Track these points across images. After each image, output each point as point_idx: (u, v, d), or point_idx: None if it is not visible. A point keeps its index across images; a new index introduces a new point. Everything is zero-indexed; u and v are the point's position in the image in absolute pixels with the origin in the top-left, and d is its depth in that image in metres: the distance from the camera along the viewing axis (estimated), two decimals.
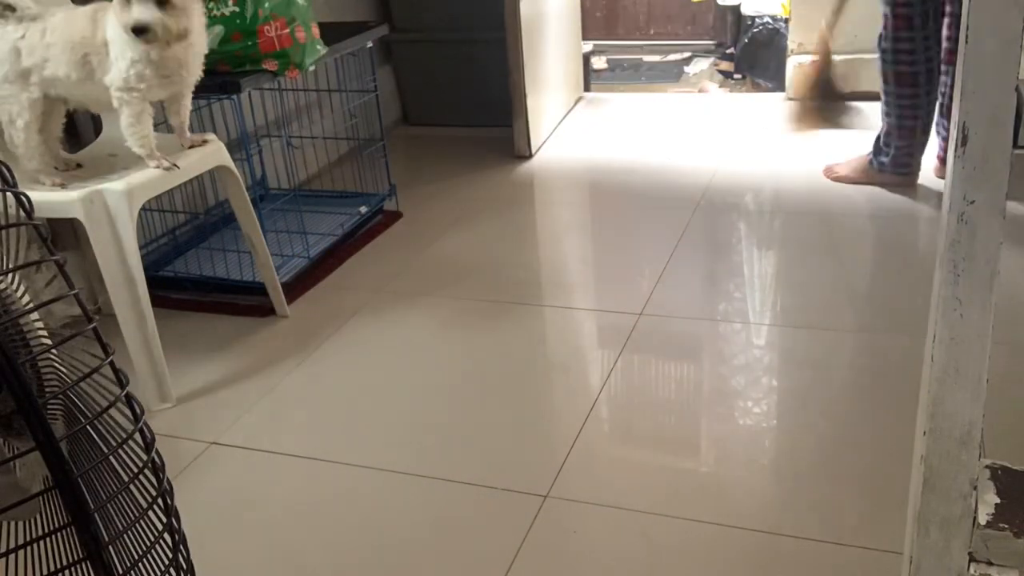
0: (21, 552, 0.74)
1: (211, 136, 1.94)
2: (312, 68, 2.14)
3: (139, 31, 1.58)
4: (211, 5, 1.98)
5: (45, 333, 0.83)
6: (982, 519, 0.85)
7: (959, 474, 0.84)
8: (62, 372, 0.82)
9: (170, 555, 0.83)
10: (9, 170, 0.80)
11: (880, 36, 2.50)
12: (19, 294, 0.82)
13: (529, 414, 1.75)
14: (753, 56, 3.92)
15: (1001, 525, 0.84)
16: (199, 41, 1.74)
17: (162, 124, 2.30)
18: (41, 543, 0.75)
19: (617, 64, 4.57)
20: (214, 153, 1.91)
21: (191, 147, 1.87)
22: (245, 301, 2.22)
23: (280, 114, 2.75)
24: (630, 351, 1.93)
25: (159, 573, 0.81)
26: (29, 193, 0.81)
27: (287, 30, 2.03)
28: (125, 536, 0.78)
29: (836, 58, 3.48)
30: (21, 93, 1.70)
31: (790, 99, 3.56)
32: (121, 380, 0.79)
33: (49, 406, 0.80)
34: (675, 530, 1.42)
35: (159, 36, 1.60)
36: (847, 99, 3.49)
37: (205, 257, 2.35)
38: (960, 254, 0.77)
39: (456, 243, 2.53)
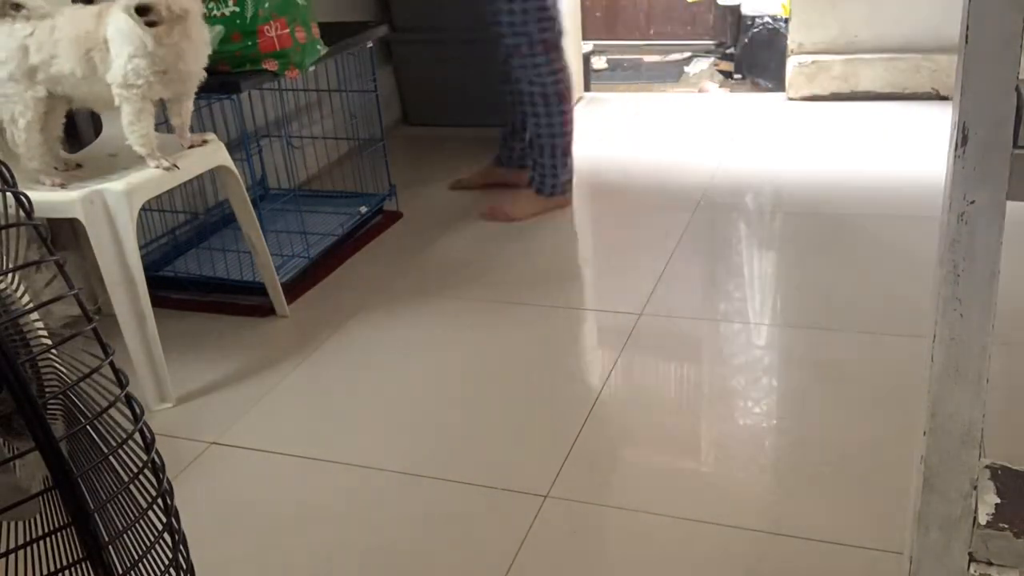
0: (21, 552, 0.74)
1: (211, 136, 1.94)
2: (312, 68, 2.14)
3: (142, 10, 1.59)
4: (211, 5, 1.98)
5: (45, 333, 0.83)
6: (982, 519, 0.85)
7: (959, 474, 0.84)
8: (62, 372, 0.82)
9: (170, 555, 0.83)
10: (9, 170, 0.80)
11: (522, 67, 2.54)
12: (19, 294, 0.82)
13: (529, 414, 1.75)
14: (753, 56, 3.92)
15: (1001, 525, 0.84)
16: (198, 35, 1.73)
17: (163, 124, 2.30)
18: (41, 543, 0.75)
19: (617, 64, 4.57)
20: (214, 153, 1.91)
21: (191, 147, 1.87)
22: (245, 301, 2.22)
23: (280, 114, 2.75)
24: (630, 351, 1.93)
25: (159, 573, 0.81)
26: (29, 193, 0.81)
27: (287, 30, 2.03)
28: (125, 536, 0.78)
29: (836, 57, 3.48)
30: (26, 91, 1.70)
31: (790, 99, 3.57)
32: (121, 380, 0.79)
33: (49, 406, 0.80)
34: (675, 530, 1.42)
35: (162, 16, 1.61)
36: (847, 99, 3.49)
37: (205, 257, 2.35)
38: (960, 254, 0.77)
39: (456, 243, 2.53)
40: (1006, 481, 0.89)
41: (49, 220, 1.98)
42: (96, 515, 0.74)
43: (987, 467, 0.90)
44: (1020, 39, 0.72)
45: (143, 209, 1.81)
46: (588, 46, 3.92)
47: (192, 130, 1.90)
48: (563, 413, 1.74)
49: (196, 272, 2.29)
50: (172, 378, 1.85)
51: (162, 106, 1.89)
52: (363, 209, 2.60)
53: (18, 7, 1.68)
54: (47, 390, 0.81)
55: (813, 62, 3.51)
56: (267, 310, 2.17)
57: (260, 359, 2.00)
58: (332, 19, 2.66)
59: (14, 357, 0.68)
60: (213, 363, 1.99)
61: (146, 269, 1.80)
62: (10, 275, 0.80)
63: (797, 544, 1.37)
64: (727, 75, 4.05)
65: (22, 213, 0.78)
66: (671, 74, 4.00)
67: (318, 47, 2.16)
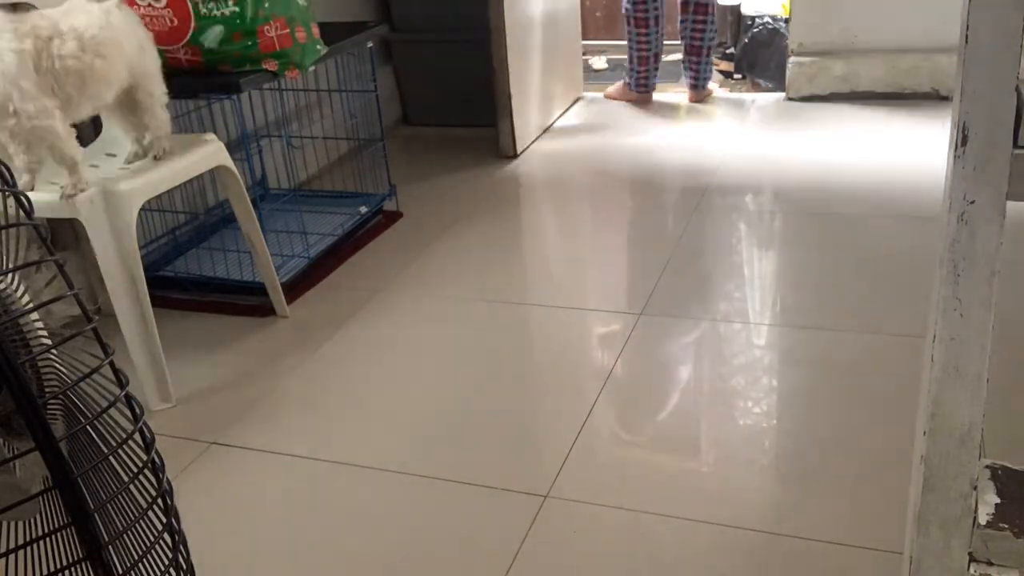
0: (21, 552, 0.74)
1: (211, 136, 1.94)
2: (312, 68, 2.14)
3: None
4: (211, 5, 1.98)
5: (45, 333, 0.83)
6: (982, 519, 0.85)
7: (959, 474, 0.84)
8: (62, 372, 0.82)
9: (170, 555, 0.83)
10: (9, 170, 0.80)
11: None
12: (19, 294, 0.82)
13: (529, 414, 1.75)
14: (753, 56, 3.92)
15: (1001, 525, 0.84)
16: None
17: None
18: (41, 543, 0.75)
19: (617, 64, 4.56)
20: (214, 153, 1.91)
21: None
22: (245, 301, 2.22)
23: (280, 114, 2.75)
24: (630, 351, 1.93)
25: (159, 573, 0.81)
26: (29, 193, 0.81)
27: (287, 30, 2.03)
28: (125, 536, 0.78)
29: (836, 57, 3.48)
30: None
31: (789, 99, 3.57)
32: (121, 380, 0.79)
33: (49, 406, 0.80)
34: (675, 530, 1.42)
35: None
36: (847, 99, 3.49)
37: (205, 257, 2.35)
38: (960, 254, 0.77)
39: (456, 243, 2.53)
40: (1006, 481, 0.89)
41: (49, 220, 1.98)
42: (96, 515, 0.74)
43: (987, 467, 0.90)
44: (1020, 39, 0.72)
45: (143, 209, 1.81)
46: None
47: (192, 130, 1.89)
48: (563, 413, 1.74)
49: (196, 272, 2.29)
50: (172, 378, 1.85)
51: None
52: (363, 209, 2.60)
53: None
54: (47, 390, 0.81)
55: (813, 62, 3.51)
56: (267, 310, 2.17)
57: (260, 359, 2.00)
58: (332, 19, 2.66)
59: (14, 357, 0.68)
60: (213, 363, 1.99)
61: (146, 269, 1.80)
62: (10, 275, 0.80)
63: (797, 544, 1.37)
64: (727, 75, 4.05)
65: (22, 213, 0.78)
66: (671, 74, 3.99)
67: (318, 47, 2.16)
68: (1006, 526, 0.84)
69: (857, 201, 2.60)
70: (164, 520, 0.82)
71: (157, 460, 0.82)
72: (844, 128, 3.23)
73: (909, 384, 1.71)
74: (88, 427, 0.79)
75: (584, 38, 3.90)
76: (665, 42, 3.65)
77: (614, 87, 3.80)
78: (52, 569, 0.75)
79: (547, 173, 3.05)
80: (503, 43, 3.01)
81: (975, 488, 0.84)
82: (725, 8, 4.05)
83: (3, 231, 0.77)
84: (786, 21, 3.67)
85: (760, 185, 2.80)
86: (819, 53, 3.51)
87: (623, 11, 3.59)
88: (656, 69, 3.65)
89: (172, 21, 2.00)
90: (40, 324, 0.83)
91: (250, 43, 1.99)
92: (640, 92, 3.69)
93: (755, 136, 3.25)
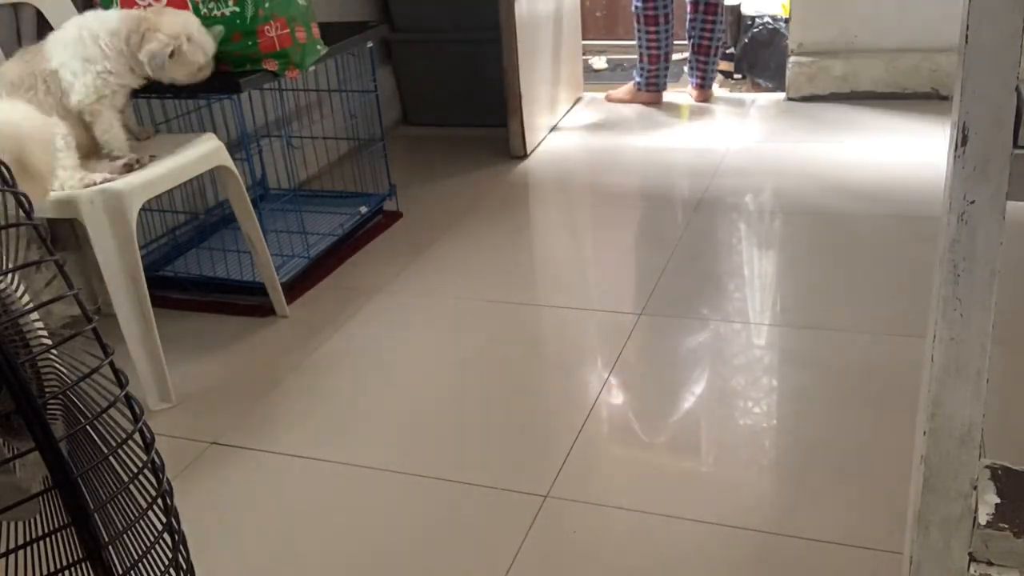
0: (21, 552, 0.74)
1: (211, 136, 1.94)
2: (312, 68, 2.14)
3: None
4: (211, 5, 1.98)
5: (45, 333, 0.83)
6: (982, 519, 0.85)
7: (959, 474, 0.84)
8: (62, 372, 0.82)
9: (170, 555, 0.83)
10: (8, 170, 0.80)
11: None
12: (19, 294, 0.82)
13: (529, 414, 1.75)
14: (753, 56, 3.92)
15: (1001, 525, 0.84)
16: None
17: (162, 123, 2.30)
18: (41, 543, 0.75)
19: (617, 64, 4.56)
20: (214, 153, 1.91)
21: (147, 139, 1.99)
22: (245, 301, 2.22)
23: (280, 114, 2.75)
24: (630, 351, 1.93)
25: (159, 573, 0.81)
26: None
27: (287, 30, 2.03)
28: (125, 536, 0.78)
29: (836, 57, 3.48)
30: None
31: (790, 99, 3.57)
32: (121, 380, 0.79)
33: (49, 406, 0.80)
34: (675, 530, 1.42)
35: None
36: (847, 99, 3.49)
37: (205, 257, 2.35)
38: (960, 254, 0.77)
39: (456, 243, 2.53)
40: (1006, 481, 0.89)
41: (49, 220, 1.98)
42: (96, 515, 0.74)
43: (987, 467, 0.90)
44: (1020, 39, 0.72)
45: (143, 209, 1.81)
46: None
47: (192, 130, 1.91)
48: (563, 413, 1.74)
49: (196, 272, 2.29)
50: (172, 378, 1.85)
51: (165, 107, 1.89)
52: (363, 209, 2.60)
53: None
54: (47, 390, 0.81)
55: (813, 62, 3.51)
56: (267, 310, 2.17)
57: (260, 359, 2.00)
58: (332, 19, 2.66)
59: (14, 357, 0.68)
60: (213, 363, 1.99)
61: (146, 269, 1.80)
62: (10, 275, 0.80)
63: (797, 544, 1.37)
64: (727, 75, 4.05)
65: (22, 213, 0.78)
66: (671, 74, 4.00)
67: (318, 47, 2.16)
68: (1006, 526, 0.84)
69: (857, 201, 2.60)
70: (164, 520, 0.82)
71: (157, 460, 0.82)
72: (844, 128, 3.23)
73: (909, 384, 1.71)
74: (88, 427, 0.79)
75: (584, 38, 3.90)
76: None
77: (620, 90, 3.76)
78: (52, 569, 0.75)
79: (553, 173, 3.05)
80: (514, 43, 3.00)
81: (975, 488, 0.84)
82: (725, 8, 4.05)
83: (3, 231, 0.77)
84: (786, 21, 3.67)
85: (760, 185, 2.80)
86: (819, 53, 3.51)
87: (632, 9, 3.57)
88: (667, 68, 3.63)
89: None
90: (40, 324, 0.83)
91: (250, 43, 1.99)
92: (651, 92, 3.65)
93: (755, 136, 3.25)
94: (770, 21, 3.86)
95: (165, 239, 2.43)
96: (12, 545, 0.75)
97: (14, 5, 1.97)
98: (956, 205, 0.76)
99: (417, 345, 2.03)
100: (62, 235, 2.12)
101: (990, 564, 0.86)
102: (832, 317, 2.00)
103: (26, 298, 0.82)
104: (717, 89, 3.81)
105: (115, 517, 0.78)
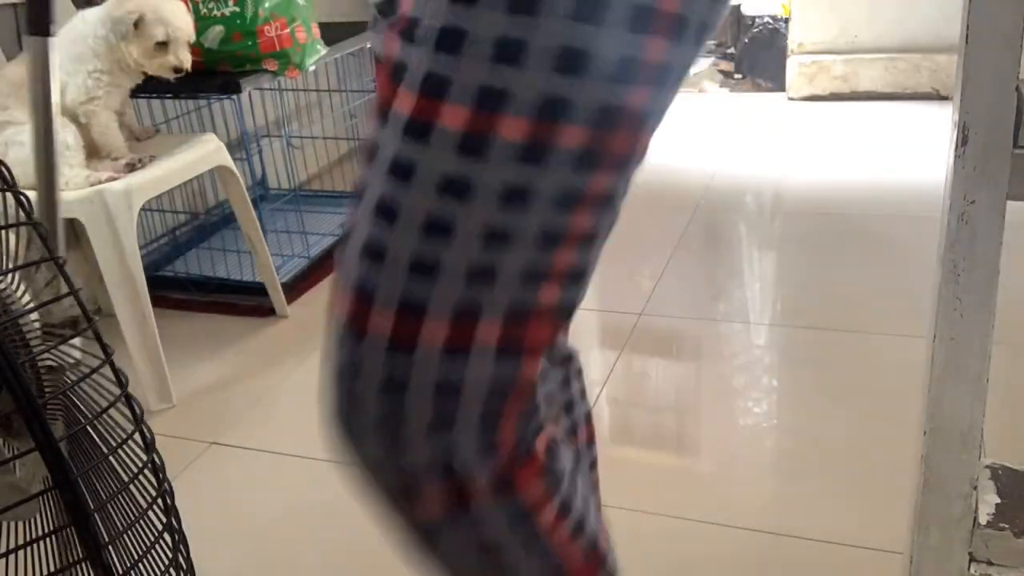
0: (21, 552, 0.74)
1: (211, 136, 1.94)
2: (312, 68, 2.14)
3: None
4: (211, 5, 1.98)
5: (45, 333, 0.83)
6: (982, 519, 0.85)
7: (959, 474, 0.84)
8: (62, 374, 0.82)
9: (170, 555, 0.83)
10: (8, 170, 0.80)
11: None
12: (19, 294, 0.82)
13: None
14: (753, 56, 3.92)
15: (1001, 525, 0.85)
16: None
17: (162, 123, 2.30)
18: (41, 543, 0.75)
19: None
20: (214, 153, 1.91)
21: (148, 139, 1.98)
22: (245, 301, 2.22)
23: (280, 114, 2.75)
24: (630, 351, 1.93)
25: (159, 573, 0.81)
26: (28, 194, 0.81)
27: (287, 30, 2.03)
28: (125, 536, 0.78)
29: (836, 57, 3.48)
30: None
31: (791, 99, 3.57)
32: (121, 380, 0.79)
33: (49, 406, 0.80)
34: (675, 530, 1.42)
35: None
36: (847, 99, 3.49)
37: (205, 257, 2.35)
38: (960, 254, 0.77)
39: None
40: (1006, 481, 0.89)
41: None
42: (96, 515, 0.74)
43: (987, 467, 0.91)
44: (1020, 39, 0.72)
45: (143, 209, 1.82)
46: None
47: (192, 130, 1.90)
48: None
49: (196, 272, 2.29)
50: (172, 378, 1.85)
51: (165, 108, 1.89)
52: None
53: None
54: (47, 390, 0.81)
55: (813, 62, 3.51)
56: (267, 310, 2.17)
57: (260, 359, 2.00)
58: (332, 19, 2.66)
59: (14, 357, 0.68)
60: (213, 363, 1.99)
61: (146, 269, 1.80)
62: (10, 275, 0.80)
63: (797, 544, 1.37)
64: (727, 75, 4.05)
65: (22, 213, 0.78)
66: None
67: (318, 47, 2.16)
68: (1006, 526, 0.84)
69: (857, 201, 2.60)
70: (164, 520, 0.82)
71: (157, 460, 0.82)
72: (844, 128, 3.23)
73: (909, 384, 1.71)
74: (88, 427, 0.79)
75: None
76: None
77: None
78: (52, 569, 0.75)
79: None
80: None
81: (975, 488, 0.84)
82: None
83: (3, 231, 0.77)
84: (786, 21, 3.67)
85: (760, 185, 2.80)
86: (819, 53, 3.51)
87: None
88: None
89: None
90: (40, 324, 0.83)
91: (250, 43, 1.99)
92: None
93: (755, 136, 3.25)
94: (770, 21, 3.86)
95: (165, 239, 2.43)
96: (12, 545, 0.75)
97: (14, 5, 1.97)
98: (956, 205, 0.76)
99: None
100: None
101: (990, 564, 0.86)
102: (832, 317, 2.00)
103: (26, 297, 0.82)
104: (717, 89, 3.80)
105: (115, 517, 0.78)
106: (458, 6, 0.53)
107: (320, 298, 2.26)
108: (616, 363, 1.89)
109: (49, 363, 0.81)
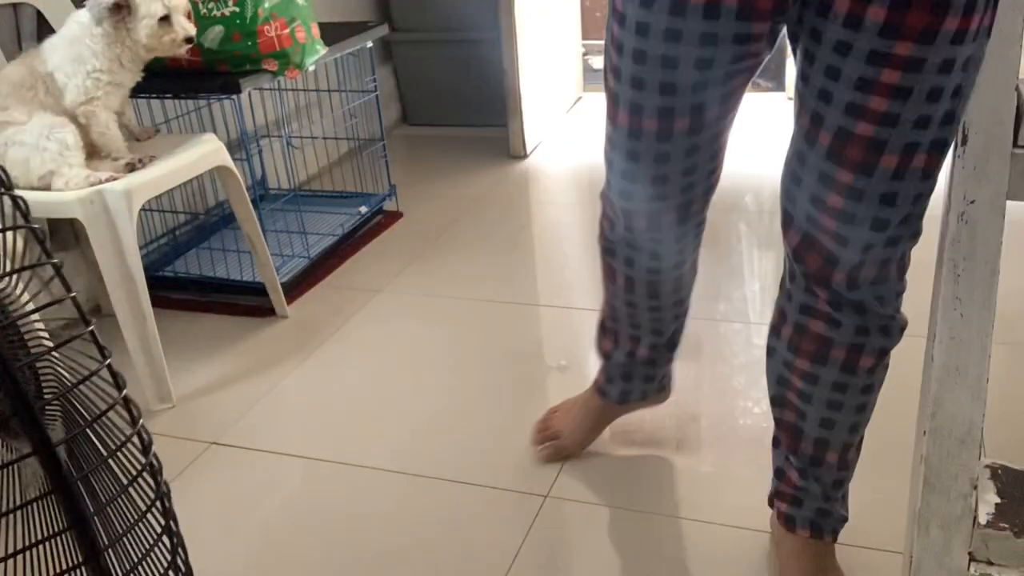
0: (20, 556, 0.74)
1: (210, 136, 1.94)
2: (312, 68, 2.14)
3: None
4: (211, 5, 1.98)
5: (45, 334, 0.83)
6: (982, 519, 0.85)
7: (959, 474, 0.84)
8: (62, 375, 0.82)
9: (168, 558, 0.82)
10: (6, 172, 0.80)
11: None
12: (18, 294, 0.82)
13: (530, 414, 1.75)
14: None
15: (1001, 525, 0.84)
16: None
17: (163, 123, 2.30)
18: (39, 547, 0.75)
19: None
20: (214, 153, 1.91)
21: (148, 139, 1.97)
22: (245, 301, 2.22)
23: (280, 114, 2.75)
24: None
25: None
26: (27, 194, 0.81)
27: (287, 30, 2.03)
28: (123, 539, 0.78)
29: None
30: None
31: (790, 99, 3.56)
32: (119, 383, 0.79)
33: (47, 409, 0.80)
34: (675, 530, 1.42)
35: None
36: None
37: (205, 257, 2.35)
38: (960, 254, 0.77)
39: (456, 243, 2.53)
40: (1006, 481, 0.89)
41: (49, 220, 1.98)
42: (94, 519, 0.74)
43: (987, 467, 0.90)
44: (1020, 39, 0.72)
45: (143, 209, 1.81)
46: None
47: (192, 130, 1.90)
48: None
49: (196, 272, 2.29)
50: (172, 378, 1.85)
51: (164, 108, 1.88)
52: (363, 209, 2.60)
53: None
54: (46, 393, 0.81)
55: None
56: (267, 310, 2.17)
57: (260, 359, 2.00)
58: (332, 19, 2.66)
59: (12, 361, 0.68)
60: (213, 363, 1.99)
61: (146, 269, 1.80)
62: (7, 278, 0.80)
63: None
64: None
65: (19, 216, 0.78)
66: None
67: (318, 47, 2.16)
68: (1006, 526, 0.84)
69: None
70: (162, 523, 0.82)
71: (155, 463, 0.82)
72: None
73: (909, 384, 1.70)
74: (87, 430, 0.79)
75: (584, 38, 3.90)
76: None
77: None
78: (51, 574, 0.75)
79: (553, 173, 3.05)
80: (514, 43, 3.00)
81: (975, 488, 0.84)
82: None
83: (1, 233, 0.77)
84: None
85: (760, 185, 2.79)
86: None
87: None
88: None
89: None
90: (40, 326, 0.83)
91: (250, 43, 1.99)
92: None
93: (755, 136, 3.25)
94: None
95: (165, 239, 2.43)
96: (11, 550, 0.74)
97: (14, 5, 1.97)
98: (956, 205, 0.76)
99: (417, 345, 2.03)
100: (62, 235, 2.12)
101: (990, 564, 0.86)
102: None
103: (25, 297, 0.81)
104: None
105: (114, 520, 0.78)
106: None
107: (320, 298, 2.26)
108: None
109: (48, 368, 0.81)
